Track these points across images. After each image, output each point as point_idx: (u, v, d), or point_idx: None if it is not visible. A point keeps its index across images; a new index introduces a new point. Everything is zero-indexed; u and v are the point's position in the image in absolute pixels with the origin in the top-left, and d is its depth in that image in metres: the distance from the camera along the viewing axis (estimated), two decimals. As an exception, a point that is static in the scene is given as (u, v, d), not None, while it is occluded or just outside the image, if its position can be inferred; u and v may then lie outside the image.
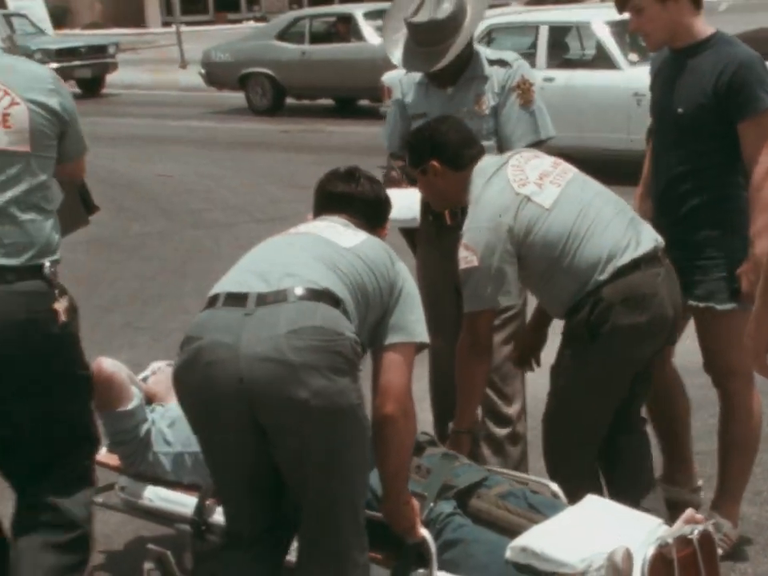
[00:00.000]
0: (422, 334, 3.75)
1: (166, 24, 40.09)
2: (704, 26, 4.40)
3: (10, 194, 3.33)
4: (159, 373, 4.85)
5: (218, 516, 4.11)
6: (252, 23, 38.16)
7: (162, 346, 7.05)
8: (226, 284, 3.63)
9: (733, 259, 4.37)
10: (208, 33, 33.64)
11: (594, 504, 4.06)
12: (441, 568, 3.84)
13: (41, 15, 29.81)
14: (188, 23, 35.23)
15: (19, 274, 3.33)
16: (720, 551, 4.14)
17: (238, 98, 20.77)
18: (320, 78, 19.45)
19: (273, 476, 3.57)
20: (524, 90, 4.79)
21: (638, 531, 3.78)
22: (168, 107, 22.24)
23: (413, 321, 3.73)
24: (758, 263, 4.08)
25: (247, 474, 3.61)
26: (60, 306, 3.43)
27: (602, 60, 12.52)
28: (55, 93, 3.49)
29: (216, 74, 20.98)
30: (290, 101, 20.42)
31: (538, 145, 4.77)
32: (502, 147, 4.79)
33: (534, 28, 13.31)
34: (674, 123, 4.43)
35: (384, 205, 4.06)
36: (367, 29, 19.33)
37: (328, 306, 3.48)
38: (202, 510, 4.31)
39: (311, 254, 3.66)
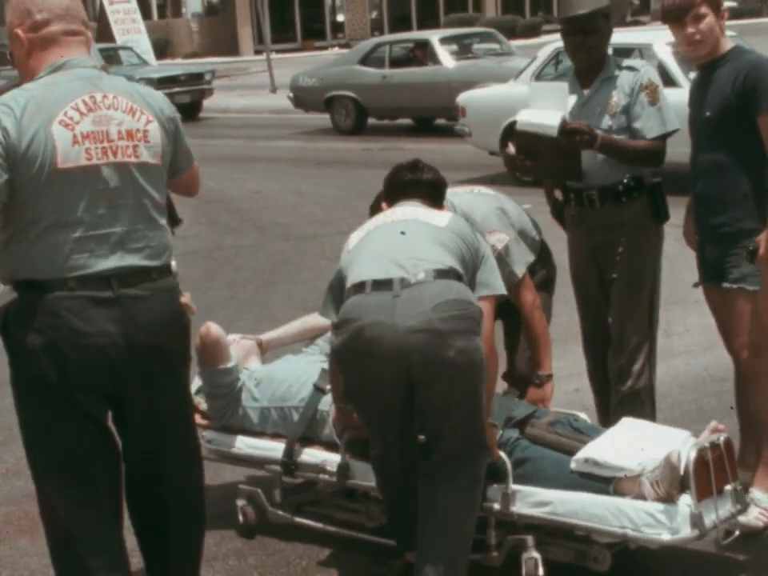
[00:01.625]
0: (501, 287, 4.33)
1: (257, 52, 40.36)
2: (728, 42, 4.73)
3: (151, 202, 3.42)
4: (234, 343, 5.27)
5: (305, 456, 4.79)
6: (336, 50, 38.48)
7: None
8: (368, 273, 4.14)
9: None
10: (296, 59, 33.88)
11: (631, 423, 4.70)
12: (515, 482, 4.39)
13: (145, 47, 30.39)
14: (278, 51, 35.59)
15: (159, 273, 3.46)
16: (760, 524, 4.67)
17: (323, 119, 20.87)
18: (399, 99, 19.49)
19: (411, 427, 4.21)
20: (651, 90, 5.07)
21: (674, 441, 4.38)
22: (259, 129, 22.46)
23: (494, 278, 4.30)
24: None
25: (397, 422, 4.20)
26: (185, 299, 3.59)
27: (663, 78, 12.32)
28: (168, 112, 3.54)
29: (303, 98, 21.12)
30: (371, 121, 20.50)
31: (667, 136, 5.07)
32: (634, 139, 5.10)
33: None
34: (704, 126, 4.71)
35: (444, 187, 4.63)
36: (443, 53, 19.35)
37: (456, 281, 4.09)
38: (291, 452, 4.79)
39: (425, 238, 4.23)
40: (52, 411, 3.49)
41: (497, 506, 4.40)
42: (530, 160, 5.06)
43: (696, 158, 4.76)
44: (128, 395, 3.54)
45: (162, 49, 39.71)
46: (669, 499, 4.14)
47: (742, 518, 4.40)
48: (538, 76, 13.66)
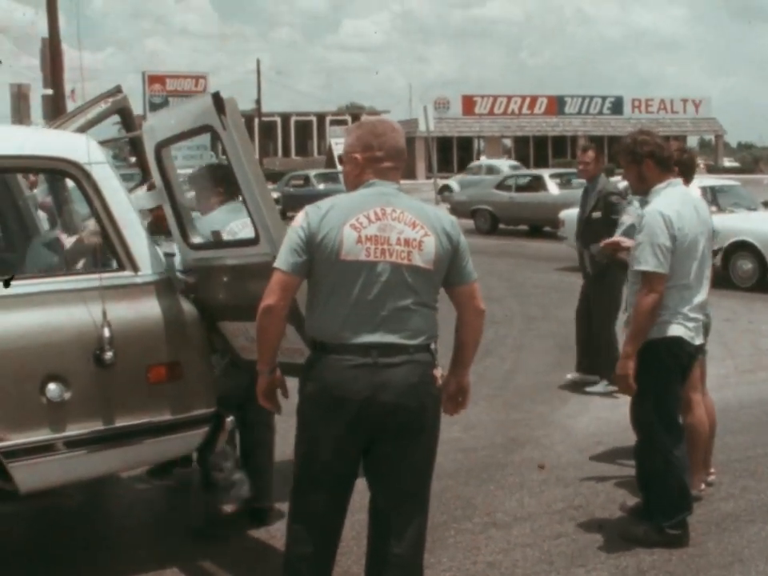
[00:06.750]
0: None
1: (427, 177, 40.87)
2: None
3: (416, 297, 2.95)
4: None
5: None
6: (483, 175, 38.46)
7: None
8: None
9: None
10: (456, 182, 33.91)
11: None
12: None
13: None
14: (441, 177, 35.80)
15: (416, 349, 2.95)
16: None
17: (469, 223, 20.54)
18: (521, 213, 19.52)
19: None
20: None
21: None
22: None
23: None
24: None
25: None
26: (437, 372, 3.04)
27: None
28: (450, 231, 3.05)
29: (457, 209, 20.99)
30: (501, 226, 20.43)
31: None
32: None
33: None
34: None
35: None
36: (551, 184, 19.31)
37: None
38: None
39: None
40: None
41: None
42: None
43: None
44: (378, 447, 2.99)
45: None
46: None
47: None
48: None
